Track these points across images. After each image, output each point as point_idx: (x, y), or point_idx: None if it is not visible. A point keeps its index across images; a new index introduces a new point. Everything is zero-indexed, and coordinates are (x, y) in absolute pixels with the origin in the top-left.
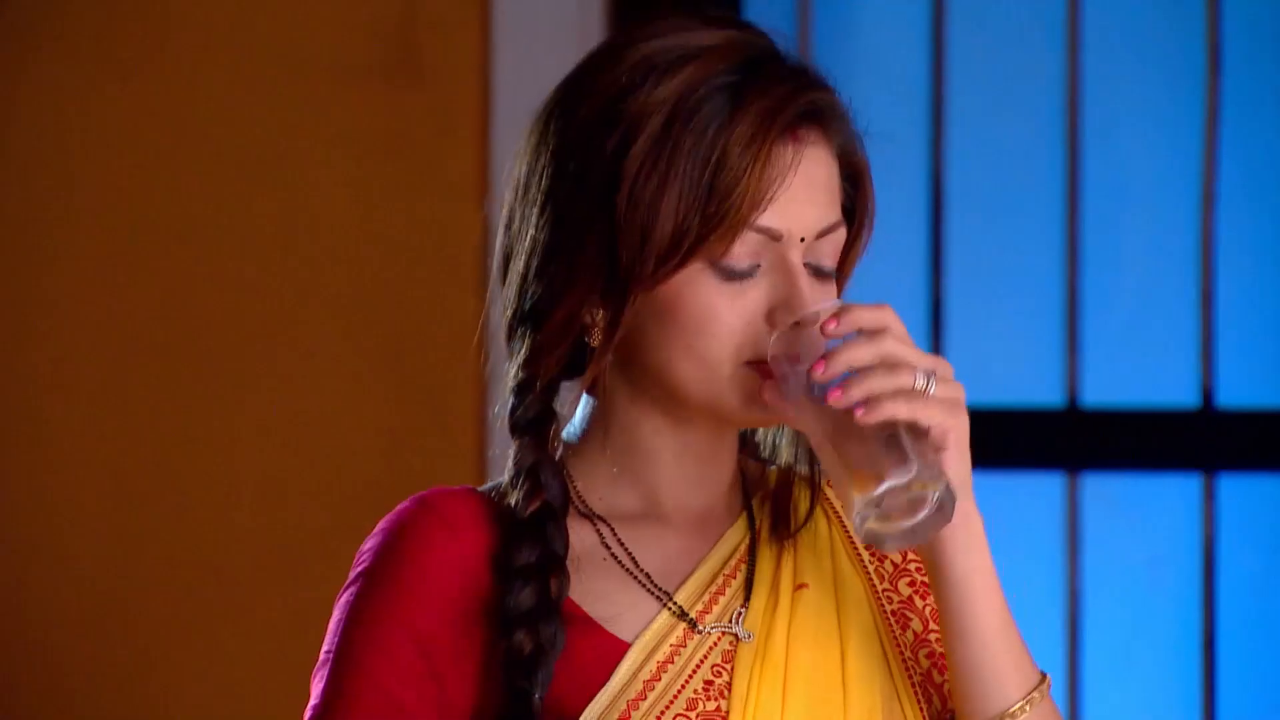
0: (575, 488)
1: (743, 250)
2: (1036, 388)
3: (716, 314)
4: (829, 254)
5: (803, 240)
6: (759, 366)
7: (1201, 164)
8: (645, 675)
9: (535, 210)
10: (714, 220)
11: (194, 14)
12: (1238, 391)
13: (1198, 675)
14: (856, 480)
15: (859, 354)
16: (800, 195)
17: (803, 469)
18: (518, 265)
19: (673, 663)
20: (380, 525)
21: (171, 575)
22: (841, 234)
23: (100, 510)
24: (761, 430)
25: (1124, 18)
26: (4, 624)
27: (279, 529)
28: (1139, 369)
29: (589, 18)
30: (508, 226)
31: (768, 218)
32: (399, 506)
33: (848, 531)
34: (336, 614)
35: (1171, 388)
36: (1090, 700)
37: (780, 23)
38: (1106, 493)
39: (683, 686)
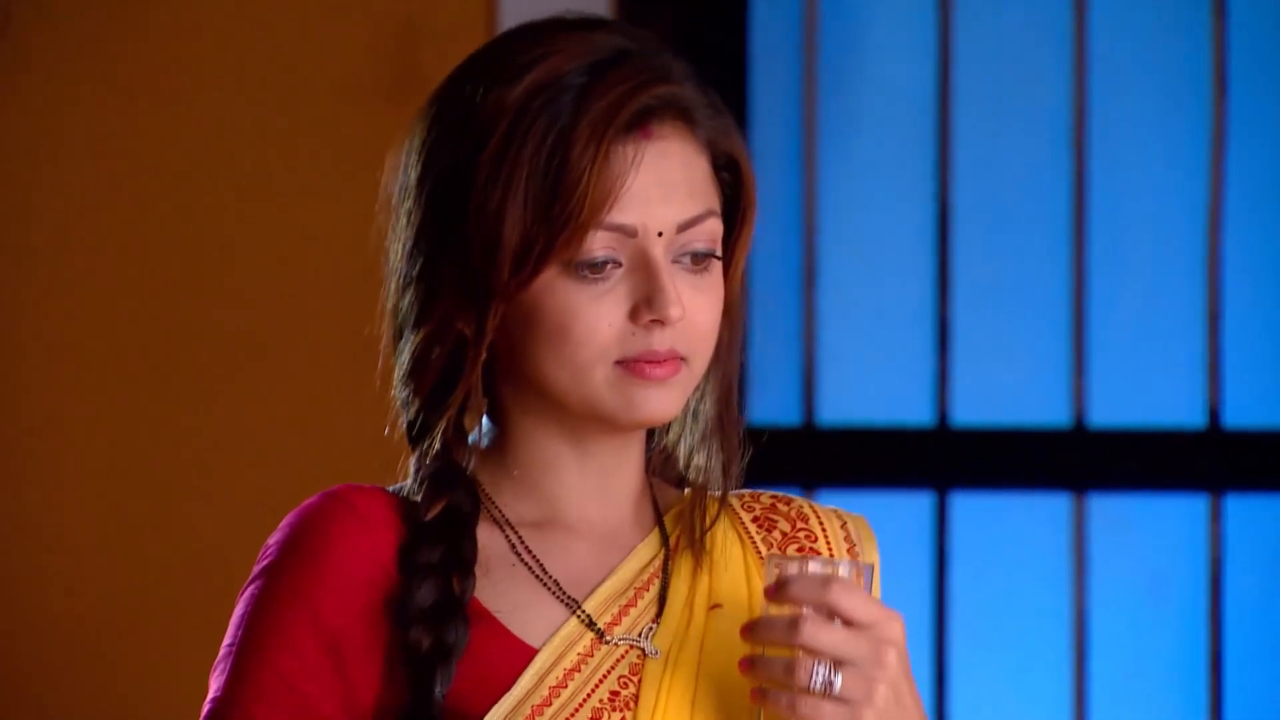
0: (485, 493)
1: (597, 250)
2: (1043, 407)
3: (578, 317)
4: (704, 244)
5: (661, 235)
6: (630, 365)
7: (1208, 183)
8: (551, 681)
9: (405, 218)
10: (559, 223)
11: (196, 34)
12: (1244, 411)
13: (1204, 695)
14: None
15: (774, 635)
16: (652, 192)
17: (715, 490)
18: (395, 275)
19: (579, 671)
20: (286, 520)
21: (169, 581)
22: (712, 224)
23: (98, 517)
24: (671, 440)
25: (1130, 36)
26: (17, 626)
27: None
28: (1145, 388)
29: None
30: (390, 234)
31: (617, 215)
32: (306, 502)
33: (760, 555)
34: (240, 607)
35: (1178, 407)
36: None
37: (787, 40)
38: (1112, 512)
39: (588, 695)
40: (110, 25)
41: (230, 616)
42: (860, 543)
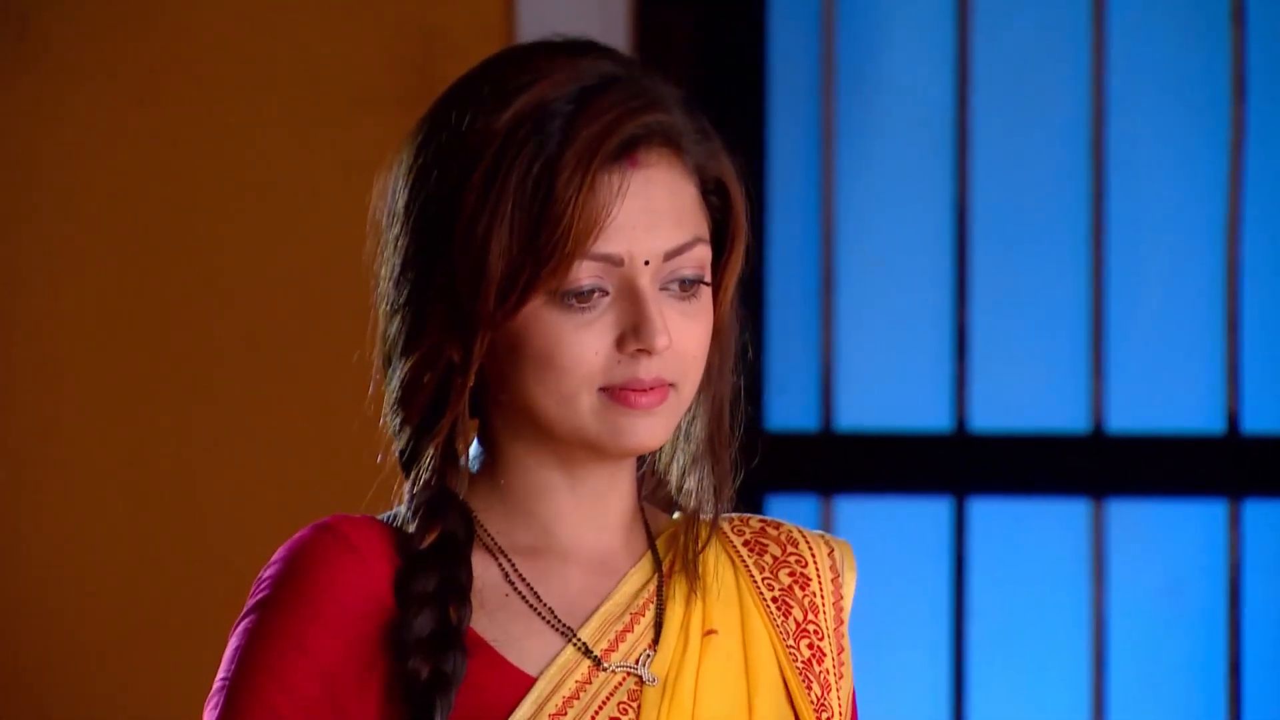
0: (477, 519)
1: (584, 279)
2: (1061, 413)
3: (563, 345)
4: (692, 271)
5: (648, 263)
6: (615, 393)
7: (1227, 189)
8: (551, 709)
9: (393, 244)
10: (545, 254)
11: (214, 42)
12: (1263, 417)
13: (1223, 701)
14: None
15: None
16: (639, 220)
17: (708, 511)
18: (383, 300)
19: (578, 699)
20: (279, 553)
21: (180, 589)
22: (701, 251)
23: (108, 523)
24: (664, 464)
25: (1148, 42)
26: (21, 631)
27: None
28: (1164, 394)
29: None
30: (378, 258)
31: (603, 244)
32: (298, 534)
33: (754, 581)
34: (234, 641)
35: (1196, 413)
36: None
37: (805, 46)
38: (1131, 518)
39: None
40: (127, 32)
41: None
42: (843, 571)
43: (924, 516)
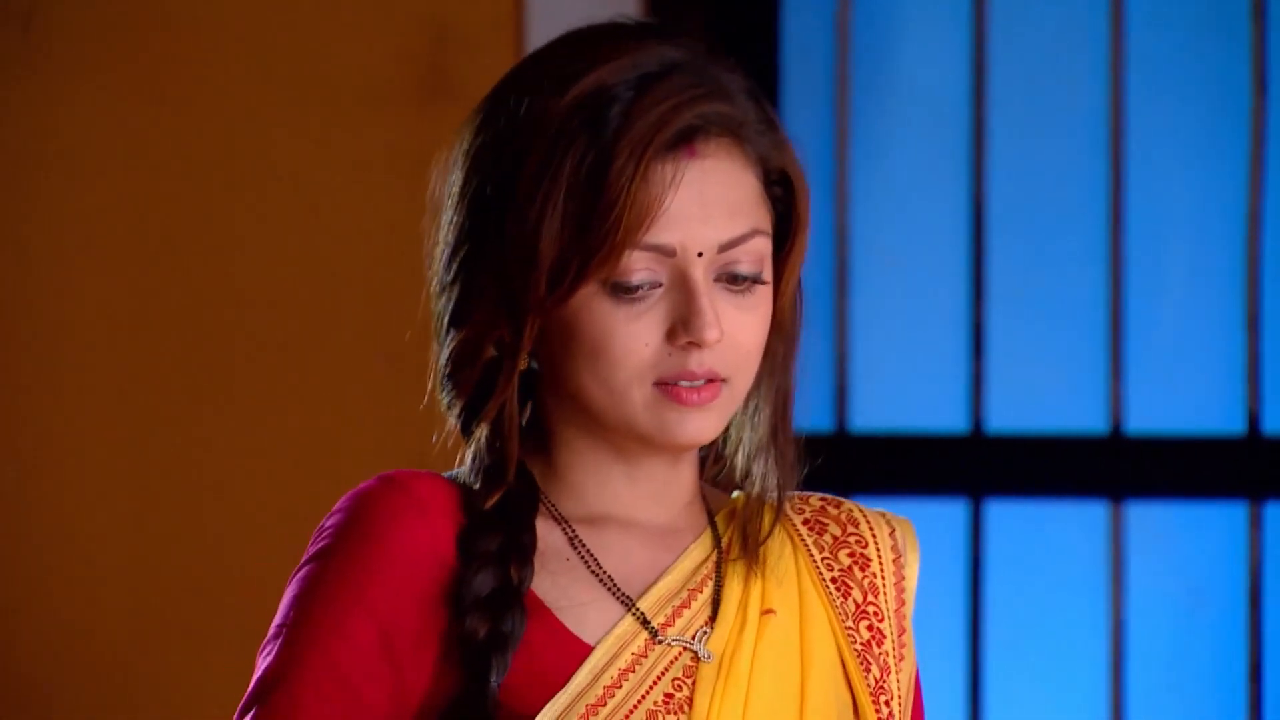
0: (540, 489)
1: (636, 269)
2: (1079, 414)
3: (614, 336)
4: (748, 264)
5: (701, 255)
6: (667, 389)
7: (1247, 187)
8: (606, 680)
9: (447, 224)
10: (596, 243)
11: (226, 39)
12: None
13: (1243, 706)
14: None
15: None
16: (693, 211)
17: (771, 497)
18: (435, 278)
19: (634, 671)
20: (342, 503)
21: (189, 590)
22: (759, 243)
23: (121, 521)
24: (729, 450)
25: (1167, 38)
26: (26, 630)
27: (302, 542)
28: (1183, 395)
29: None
30: (433, 238)
31: (655, 235)
32: (363, 485)
33: (814, 560)
34: (292, 589)
35: (1216, 414)
36: None
37: (819, 45)
38: (1150, 521)
39: (643, 697)
40: (134, 28)
41: (246, 623)
42: (905, 551)
43: (940, 519)
